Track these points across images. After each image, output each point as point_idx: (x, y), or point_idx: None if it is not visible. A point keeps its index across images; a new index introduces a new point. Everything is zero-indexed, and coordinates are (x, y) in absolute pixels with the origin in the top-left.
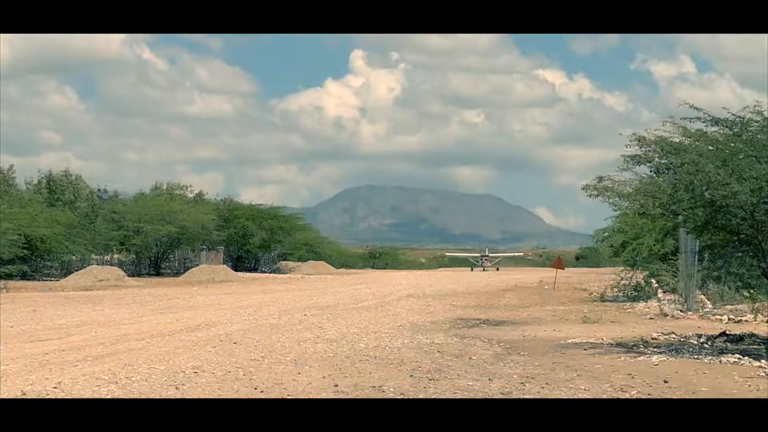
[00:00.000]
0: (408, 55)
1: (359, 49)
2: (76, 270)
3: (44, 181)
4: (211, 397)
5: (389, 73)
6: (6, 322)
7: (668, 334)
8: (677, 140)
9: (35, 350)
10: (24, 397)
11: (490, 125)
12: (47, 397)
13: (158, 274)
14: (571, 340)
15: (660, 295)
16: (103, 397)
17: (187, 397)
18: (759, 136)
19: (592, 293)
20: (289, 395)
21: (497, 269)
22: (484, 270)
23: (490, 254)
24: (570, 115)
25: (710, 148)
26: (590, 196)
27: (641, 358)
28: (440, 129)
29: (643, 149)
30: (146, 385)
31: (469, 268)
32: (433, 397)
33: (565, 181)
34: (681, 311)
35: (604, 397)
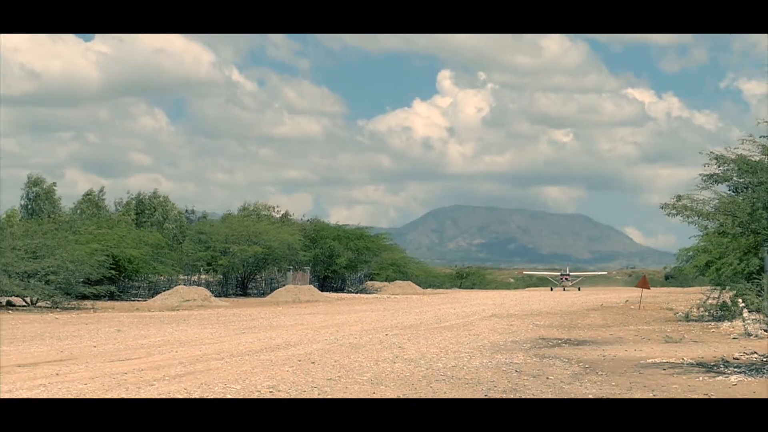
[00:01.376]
0: (495, 75)
1: (446, 70)
2: (164, 290)
3: (133, 202)
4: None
5: (477, 93)
6: (90, 342)
7: (750, 354)
8: (757, 159)
9: (115, 370)
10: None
11: (579, 144)
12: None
13: (245, 294)
14: (651, 360)
15: (745, 314)
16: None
17: (190, 398)
18: None
19: (677, 313)
20: None
21: (578, 289)
22: (564, 290)
23: (571, 273)
24: (659, 134)
25: None
26: (669, 215)
27: (720, 378)
28: (528, 149)
29: (721, 168)
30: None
31: (549, 288)
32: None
33: (655, 200)
34: (765, 331)
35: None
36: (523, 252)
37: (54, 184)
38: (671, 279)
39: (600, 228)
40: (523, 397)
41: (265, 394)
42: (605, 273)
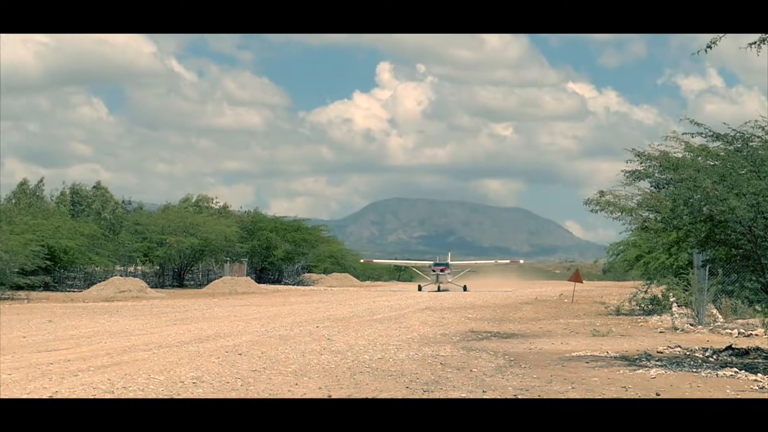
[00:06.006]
0: (435, 68)
1: (385, 62)
2: (100, 281)
3: (68, 192)
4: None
5: (417, 86)
6: (19, 333)
7: (674, 347)
8: (680, 155)
9: (41, 360)
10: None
11: (519, 138)
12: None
13: (181, 285)
14: (576, 353)
15: (674, 309)
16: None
17: (186, 398)
18: (759, 152)
19: (608, 307)
20: None
21: (464, 288)
22: (439, 290)
23: (451, 262)
24: (599, 128)
25: (711, 163)
26: (592, 211)
27: (640, 371)
28: (469, 142)
29: (643, 164)
30: (142, 394)
31: (417, 287)
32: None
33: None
34: (692, 325)
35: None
36: (462, 245)
37: None
38: (608, 273)
39: (540, 221)
40: (444, 389)
41: (189, 386)
42: (507, 261)
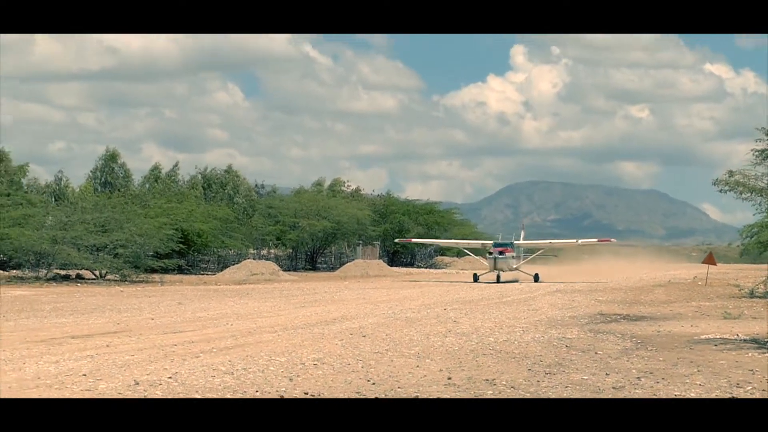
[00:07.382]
0: (569, 51)
1: (519, 45)
2: (233, 264)
3: (199, 177)
4: (322, 389)
5: (551, 68)
6: (148, 315)
7: None
8: None
9: (166, 341)
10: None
11: (655, 120)
12: (159, 385)
13: (314, 268)
14: (704, 336)
15: None
16: (216, 387)
17: (187, 398)
18: None
19: (742, 289)
20: (399, 388)
21: (536, 278)
22: (498, 281)
23: (517, 242)
24: (736, 109)
25: None
26: (721, 191)
27: None
28: (604, 124)
29: None
30: (261, 376)
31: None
32: (544, 390)
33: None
34: None
35: (716, 393)
36: (597, 228)
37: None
38: (745, 255)
39: (676, 204)
40: (566, 371)
41: (309, 367)
42: (594, 240)
